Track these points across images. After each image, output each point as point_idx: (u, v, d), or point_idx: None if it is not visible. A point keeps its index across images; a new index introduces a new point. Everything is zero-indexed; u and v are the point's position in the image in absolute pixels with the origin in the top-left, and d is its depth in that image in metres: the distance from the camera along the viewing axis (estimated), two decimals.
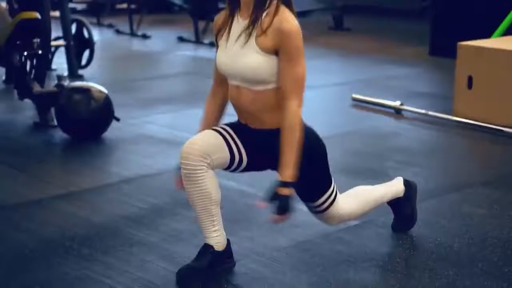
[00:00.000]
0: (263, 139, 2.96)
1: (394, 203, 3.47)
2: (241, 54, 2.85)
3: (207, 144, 2.88)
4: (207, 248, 3.00)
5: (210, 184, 2.89)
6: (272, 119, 2.92)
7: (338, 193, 3.19)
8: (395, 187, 3.46)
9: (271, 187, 2.87)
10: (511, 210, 3.81)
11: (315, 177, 3.06)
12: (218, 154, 2.91)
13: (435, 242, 3.40)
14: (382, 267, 3.16)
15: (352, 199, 3.27)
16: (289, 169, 2.83)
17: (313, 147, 3.00)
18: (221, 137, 2.95)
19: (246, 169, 3.05)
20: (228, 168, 3.01)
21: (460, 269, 3.13)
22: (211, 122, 3.12)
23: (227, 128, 3.01)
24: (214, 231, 2.98)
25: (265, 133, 2.95)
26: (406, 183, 3.51)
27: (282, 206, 2.84)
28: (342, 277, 3.07)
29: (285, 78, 2.83)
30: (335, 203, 3.15)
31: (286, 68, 2.82)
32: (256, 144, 2.98)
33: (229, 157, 2.95)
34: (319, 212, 3.18)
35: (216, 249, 2.99)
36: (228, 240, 3.06)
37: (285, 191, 2.83)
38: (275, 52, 2.82)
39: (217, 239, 3.00)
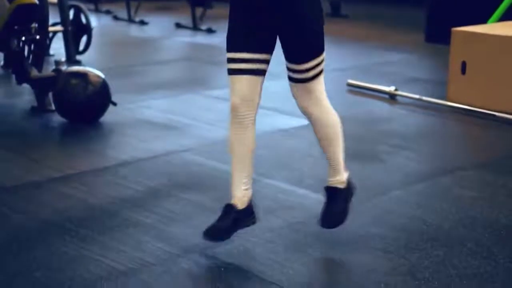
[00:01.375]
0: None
1: (331, 193, 3.32)
2: None
3: (247, 92, 3.06)
4: (231, 207, 3.13)
5: (252, 133, 3.12)
6: None
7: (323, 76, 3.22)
8: (344, 171, 3.35)
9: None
10: (501, 193, 3.88)
11: (314, 31, 3.08)
12: (258, 90, 3.09)
13: (426, 224, 3.47)
14: (373, 247, 3.23)
15: (333, 111, 3.31)
16: None
17: (316, 7, 3.07)
18: (249, 76, 3.06)
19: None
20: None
21: (449, 249, 3.20)
22: None
23: (240, 55, 3.06)
24: (244, 183, 3.14)
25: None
26: (349, 182, 3.36)
27: None
28: (334, 256, 3.14)
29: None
30: (320, 77, 3.17)
31: None
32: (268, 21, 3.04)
33: (262, 75, 3.10)
34: (303, 80, 3.13)
35: (239, 207, 3.13)
36: (251, 196, 3.19)
37: None
38: None
39: (244, 192, 3.14)
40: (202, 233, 3.11)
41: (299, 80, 3.15)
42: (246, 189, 3.16)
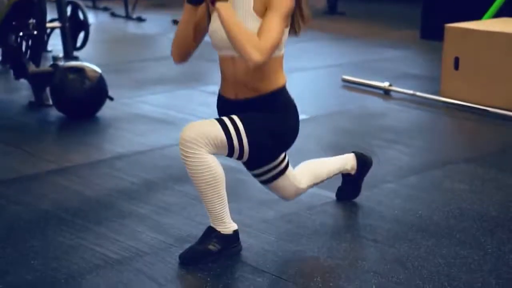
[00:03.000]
0: (247, 106, 3.03)
1: (346, 174, 3.62)
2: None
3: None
4: (213, 230, 3.04)
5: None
6: (266, 85, 3.00)
7: (288, 168, 3.28)
8: (349, 164, 3.57)
9: None
10: (491, 186, 3.94)
11: (259, 143, 3.02)
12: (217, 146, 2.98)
13: (416, 215, 3.53)
14: (364, 237, 3.29)
15: (306, 173, 3.38)
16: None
17: (285, 111, 3.06)
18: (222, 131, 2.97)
19: None
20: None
21: (438, 239, 3.26)
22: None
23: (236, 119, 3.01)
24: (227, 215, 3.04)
25: (256, 100, 3.02)
26: (362, 158, 3.61)
27: None
28: (325, 246, 3.19)
29: (260, 27, 2.87)
30: (285, 176, 3.25)
31: (265, 17, 2.88)
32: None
33: (228, 150, 3.00)
34: (264, 182, 3.27)
35: (223, 232, 3.03)
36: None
37: None
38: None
39: (232, 224, 3.07)
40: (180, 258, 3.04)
41: (262, 182, 3.30)
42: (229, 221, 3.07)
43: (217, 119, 2.98)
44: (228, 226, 3.04)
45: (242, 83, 3.01)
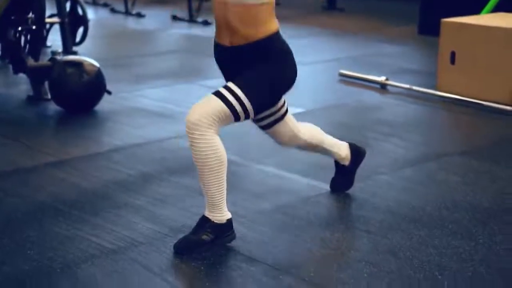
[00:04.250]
0: (242, 55, 3.07)
1: (341, 165, 3.66)
2: None
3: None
4: (206, 220, 3.07)
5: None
6: (258, 32, 3.03)
7: (288, 114, 3.33)
8: (343, 152, 3.61)
9: None
10: (485, 178, 3.97)
11: (260, 86, 3.08)
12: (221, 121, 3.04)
13: (409, 206, 3.56)
14: (357, 228, 3.33)
15: (305, 127, 3.45)
16: None
17: (281, 59, 3.10)
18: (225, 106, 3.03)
19: None
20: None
21: (431, 230, 3.29)
22: None
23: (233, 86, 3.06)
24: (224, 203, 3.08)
25: (250, 48, 3.05)
26: (356, 148, 3.68)
27: None
28: (318, 236, 3.23)
29: None
30: (283, 121, 3.31)
31: None
32: (236, 66, 3.10)
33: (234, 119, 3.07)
34: (264, 127, 3.32)
35: (216, 222, 3.07)
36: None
37: None
38: None
39: (227, 213, 3.10)
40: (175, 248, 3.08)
41: (261, 127, 3.34)
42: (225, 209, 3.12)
43: (214, 93, 3.04)
44: (224, 214, 3.08)
45: (234, 29, 3.06)
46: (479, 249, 3.11)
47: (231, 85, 3.04)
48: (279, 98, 3.26)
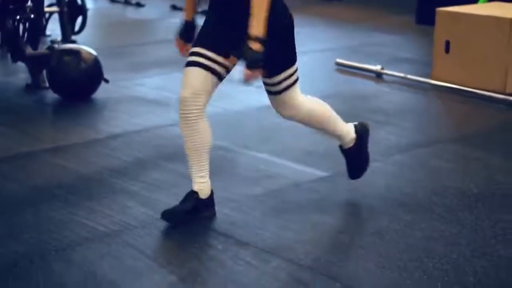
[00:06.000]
0: (237, 20, 3.08)
1: (348, 153, 3.57)
2: None
3: (199, 85, 3.12)
4: (193, 193, 3.24)
5: (203, 130, 3.17)
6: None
7: (297, 84, 3.33)
8: (349, 134, 3.55)
9: (242, 44, 3.00)
10: (475, 165, 4.03)
11: (282, 47, 3.17)
12: (210, 89, 3.15)
13: (399, 192, 3.63)
14: (347, 212, 3.40)
15: (311, 100, 3.43)
16: (259, 24, 2.97)
17: (284, 20, 3.15)
18: (205, 72, 3.12)
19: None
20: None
21: (419, 214, 3.36)
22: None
23: (202, 51, 3.14)
24: (201, 176, 3.22)
25: (238, 14, 3.07)
26: (359, 127, 3.62)
27: (253, 60, 2.98)
28: (308, 220, 3.29)
29: None
30: (294, 87, 3.29)
31: None
32: (231, 34, 3.12)
33: (217, 78, 3.16)
34: (276, 92, 3.29)
35: (200, 196, 3.22)
36: (211, 191, 3.28)
37: (256, 45, 2.97)
38: None
39: (202, 185, 3.23)
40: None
41: (273, 93, 3.31)
42: (204, 182, 3.25)
43: (191, 64, 3.13)
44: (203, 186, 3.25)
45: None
46: (465, 233, 3.17)
47: (202, 51, 3.13)
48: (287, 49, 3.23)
